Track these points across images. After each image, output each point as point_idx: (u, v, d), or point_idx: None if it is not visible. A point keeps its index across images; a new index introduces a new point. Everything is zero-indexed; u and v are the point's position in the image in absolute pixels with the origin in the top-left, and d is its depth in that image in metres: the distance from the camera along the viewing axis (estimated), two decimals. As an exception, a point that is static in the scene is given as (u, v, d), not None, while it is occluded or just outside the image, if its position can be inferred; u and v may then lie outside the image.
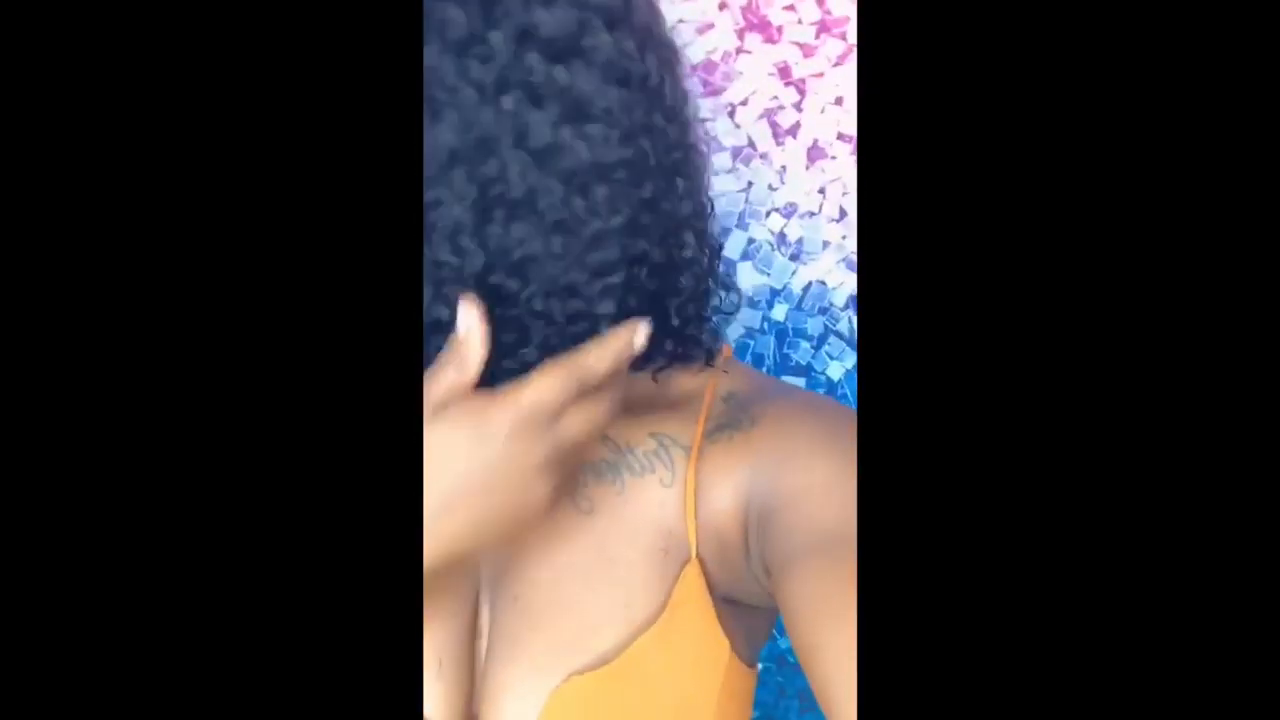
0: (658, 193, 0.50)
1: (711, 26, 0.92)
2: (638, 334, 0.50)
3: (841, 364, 0.93)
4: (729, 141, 0.92)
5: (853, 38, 0.90)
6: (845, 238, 0.92)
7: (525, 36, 0.46)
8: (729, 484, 0.54)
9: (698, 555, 0.55)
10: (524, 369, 0.49)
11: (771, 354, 0.94)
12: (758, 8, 0.91)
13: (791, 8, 0.91)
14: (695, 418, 0.57)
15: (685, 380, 0.58)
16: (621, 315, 0.50)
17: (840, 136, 0.92)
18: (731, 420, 0.56)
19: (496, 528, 0.49)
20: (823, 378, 0.94)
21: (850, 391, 0.94)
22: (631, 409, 0.56)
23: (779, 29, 0.91)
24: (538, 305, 0.49)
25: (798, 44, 0.91)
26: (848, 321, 0.93)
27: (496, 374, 0.49)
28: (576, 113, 0.47)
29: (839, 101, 0.91)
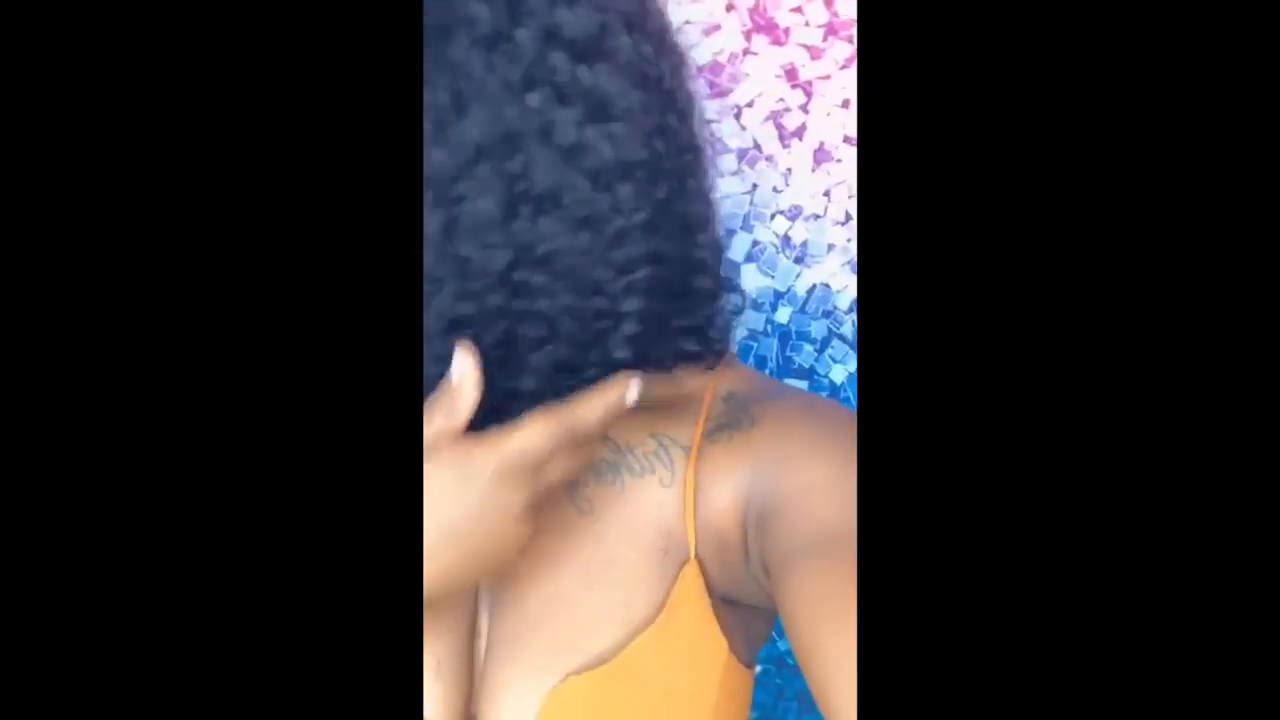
0: (672, 193, 0.51)
1: (718, 28, 0.92)
2: (630, 388, 0.51)
3: (844, 367, 0.93)
4: (734, 143, 0.92)
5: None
6: (850, 241, 0.92)
7: (550, 36, 0.47)
8: (729, 484, 0.54)
9: (696, 555, 0.55)
10: (519, 405, 0.49)
11: (774, 357, 0.94)
12: (765, 9, 0.91)
13: (799, 10, 0.91)
14: (695, 418, 0.57)
15: (686, 380, 0.58)
16: (646, 312, 0.51)
17: (846, 139, 0.92)
18: (731, 420, 0.56)
19: (478, 569, 0.50)
20: (825, 381, 0.94)
21: (853, 395, 0.94)
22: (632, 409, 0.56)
23: (786, 31, 0.91)
24: (565, 301, 0.49)
25: (804, 46, 0.91)
26: (851, 325, 0.93)
27: (519, 378, 0.50)
28: (600, 112, 0.48)
29: (845, 104, 0.91)
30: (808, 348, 0.94)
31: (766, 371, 0.93)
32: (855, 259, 0.92)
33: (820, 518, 0.49)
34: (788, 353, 0.94)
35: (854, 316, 0.93)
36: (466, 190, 0.47)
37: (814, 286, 0.93)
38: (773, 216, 0.93)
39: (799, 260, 0.93)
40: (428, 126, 0.46)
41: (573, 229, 0.48)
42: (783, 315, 0.94)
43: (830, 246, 0.92)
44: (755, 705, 0.62)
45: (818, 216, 0.93)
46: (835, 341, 0.93)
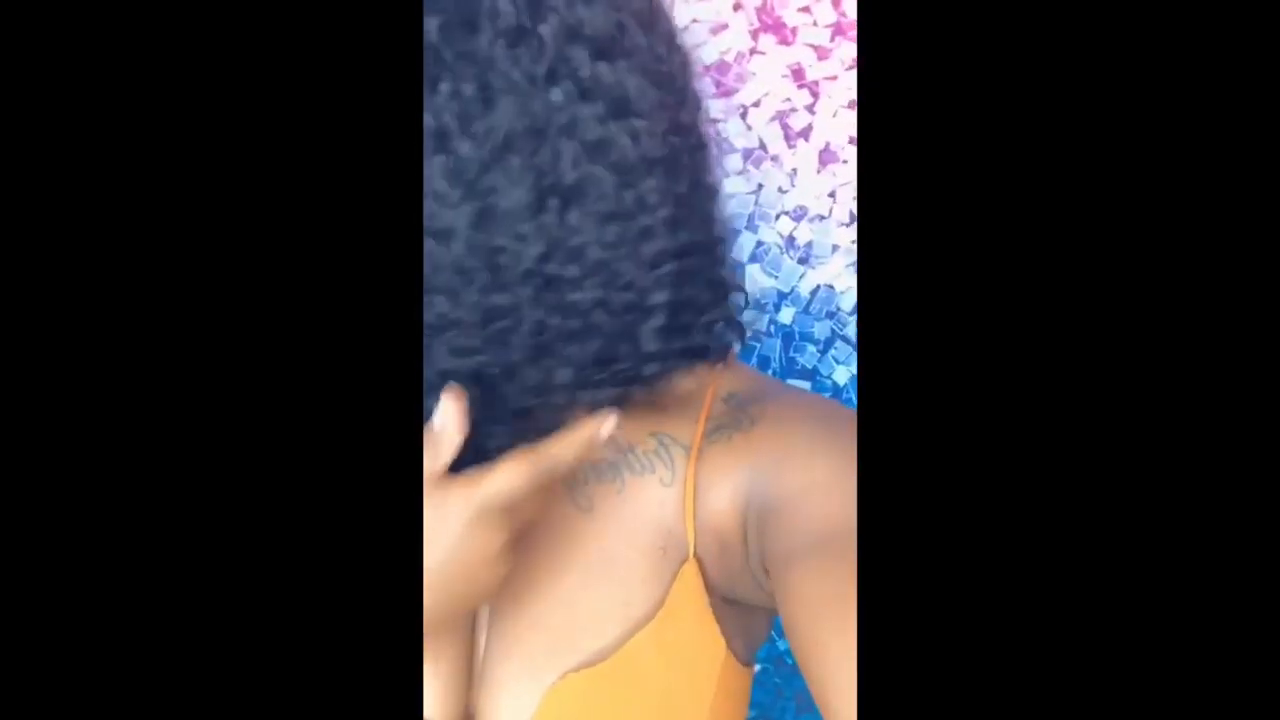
0: (690, 188, 0.52)
1: (725, 27, 0.91)
2: (604, 425, 0.52)
3: (847, 369, 0.93)
4: (740, 143, 0.92)
5: (866, 41, 0.90)
6: (855, 242, 0.92)
7: (572, 33, 0.48)
8: (729, 484, 0.54)
9: (695, 555, 0.55)
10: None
11: (778, 357, 0.94)
12: (772, 9, 0.91)
13: (806, 9, 0.91)
14: (696, 417, 0.57)
15: (686, 380, 0.58)
16: (675, 303, 0.52)
17: (852, 140, 0.92)
18: (732, 420, 0.56)
19: (457, 607, 0.51)
20: (828, 382, 0.94)
21: (855, 397, 0.93)
22: (633, 409, 0.56)
23: (793, 31, 0.91)
24: (595, 294, 0.50)
25: (812, 46, 0.91)
26: (855, 326, 0.93)
27: (555, 370, 0.50)
28: (621, 108, 0.49)
29: (852, 105, 0.91)
30: (811, 349, 0.94)
31: (769, 372, 0.93)
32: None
33: (820, 517, 0.49)
34: (791, 353, 0.94)
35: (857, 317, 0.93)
36: (496, 181, 0.48)
37: (818, 287, 0.93)
38: (777, 217, 0.93)
39: (803, 261, 0.93)
40: (450, 120, 0.47)
41: (600, 223, 0.49)
42: (786, 316, 0.94)
43: (835, 248, 0.92)
44: (754, 704, 0.62)
45: (823, 217, 0.92)
46: (839, 343, 0.93)
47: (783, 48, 0.91)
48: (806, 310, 0.93)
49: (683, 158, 0.52)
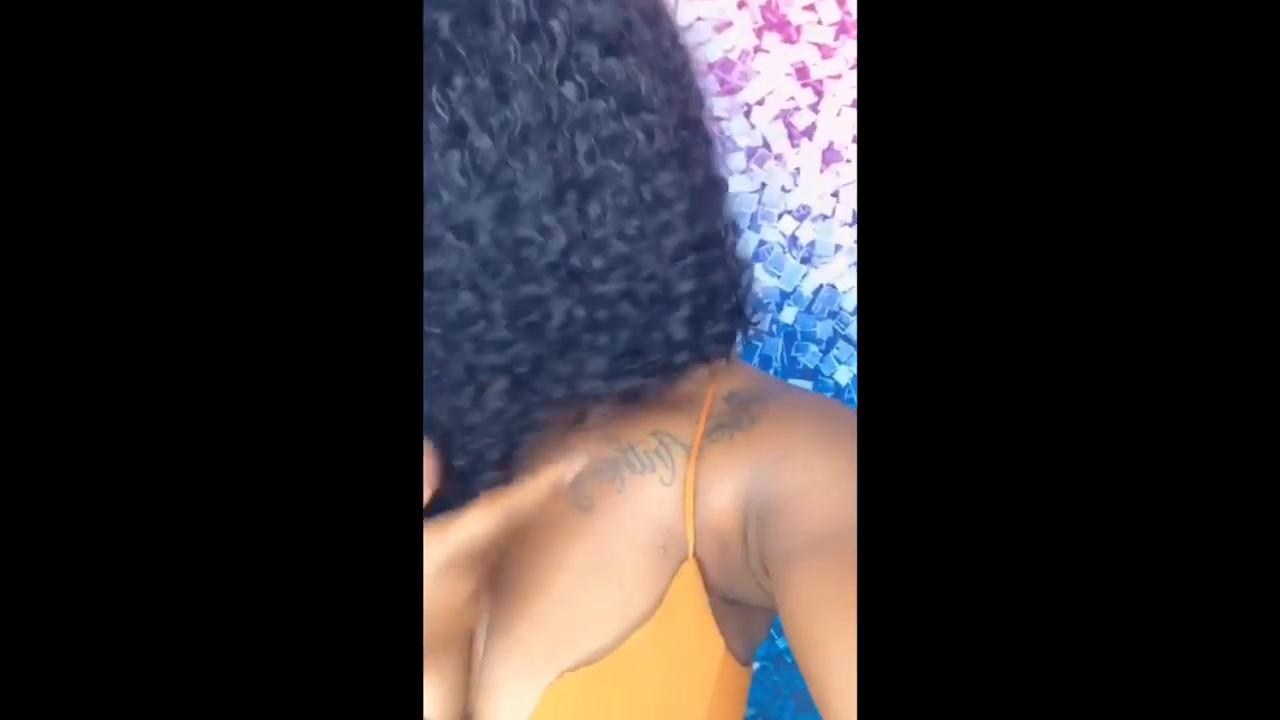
0: (702, 182, 0.54)
1: (730, 25, 0.91)
2: (569, 469, 0.54)
3: (849, 369, 0.93)
4: (743, 142, 0.92)
5: (871, 41, 0.90)
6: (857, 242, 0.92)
7: (581, 29, 0.49)
8: (729, 483, 0.54)
9: (695, 554, 0.54)
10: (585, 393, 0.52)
11: (779, 357, 0.94)
12: (777, 7, 0.91)
13: (811, 8, 0.91)
14: (696, 417, 0.57)
15: (687, 380, 0.58)
16: (700, 294, 0.53)
17: (856, 140, 0.91)
18: (732, 419, 0.56)
19: (434, 643, 0.52)
20: (830, 382, 0.94)
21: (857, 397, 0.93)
22: (633, 408, 0.56)
23: (798, 29, 0.91)
24: (621, 285, 0.51)
25: (816, 45, 0.91)
26: (857, 326, 0.93)
27: (587, 361, 0.52)
28: (632, 104, 0.50)
29: (856, 104, 0.91)
30: (813, 348, 0.93)
31: (771, 372, 0.93)
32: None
33: (820, 517, 0.49)
34: (793, 353, 0.94)
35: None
36: (516, 174, 0.48)
37: (820, 287, 0.93)
38: (780, 216, 0.93)
39: (806, 260, 0.93)
40: (467, 114, 0.47)
41: (620, 216, 0.50)
42: (788, 315, 0.93)
43: (837, 247, 0.92)
44: (752, 703, 0.62)
45: (825, 217, 0.92)
46: (841, 343, 0.93)
47: (787, 46, 0.91)
48: (809, 310, 0.93)
49: (694, 151, 0.53)
